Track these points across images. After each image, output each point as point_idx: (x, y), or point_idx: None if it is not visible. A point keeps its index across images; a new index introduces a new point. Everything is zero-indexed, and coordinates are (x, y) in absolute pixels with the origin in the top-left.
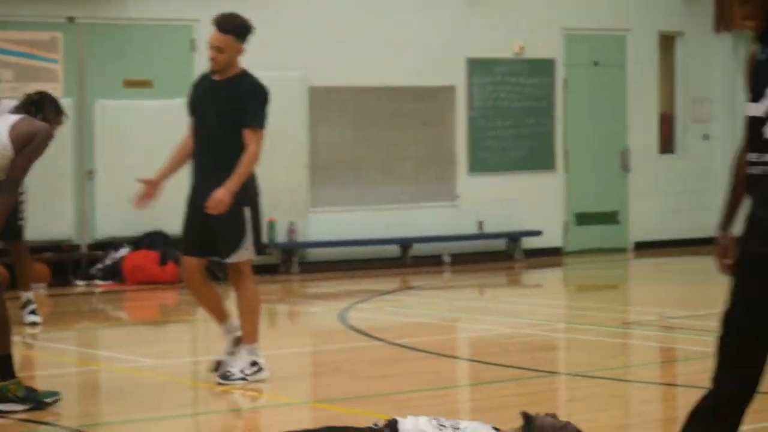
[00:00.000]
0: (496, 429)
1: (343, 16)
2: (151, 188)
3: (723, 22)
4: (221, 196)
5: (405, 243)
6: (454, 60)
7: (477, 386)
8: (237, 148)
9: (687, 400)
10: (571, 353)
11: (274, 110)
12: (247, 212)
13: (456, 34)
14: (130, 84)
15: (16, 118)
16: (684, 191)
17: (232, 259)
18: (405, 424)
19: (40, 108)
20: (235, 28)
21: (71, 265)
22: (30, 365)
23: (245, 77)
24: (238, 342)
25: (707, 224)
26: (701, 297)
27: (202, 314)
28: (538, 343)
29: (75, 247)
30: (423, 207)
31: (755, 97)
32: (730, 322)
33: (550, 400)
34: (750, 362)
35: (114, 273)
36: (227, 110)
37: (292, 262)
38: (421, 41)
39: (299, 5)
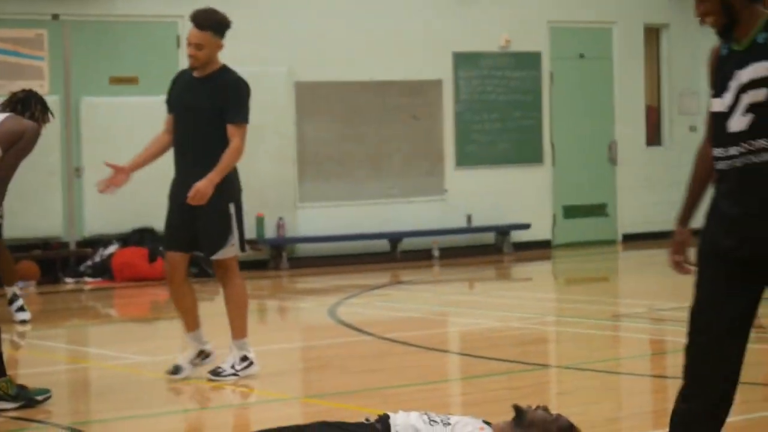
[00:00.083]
0: (486, 423)
1: (328, 11)
2: (119, 176)
3: None
4: (203, 188)
5: (394, 237)
6: (441, 54)
7: (467, 380)
8: (218, 144)
9: (677, 392)
10: (561, 346)
11: (260, 106)
12: (232, 208)
13: (442, 28)
14: (116, 81)
15: (2, 116)
16: (672, 183)
17: (219, 255)
18: (396, 419)
19: (27, 106)
20: (213, 23)
21: (60, 262)
22: (20, 363)
23: (226, 73)
24: (202, 355)
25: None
26: (690, 289)
27: None
28: (528, 337)
29: (64, 245)
30: (411, 201)
31: (718, 92)
32: (698, 318)
33: (540, 393)
34: (722, 359)
35: (103, 270)
36: (209, 107)
37: (281, 258)
38: (407, 35)
39: (285, 1)
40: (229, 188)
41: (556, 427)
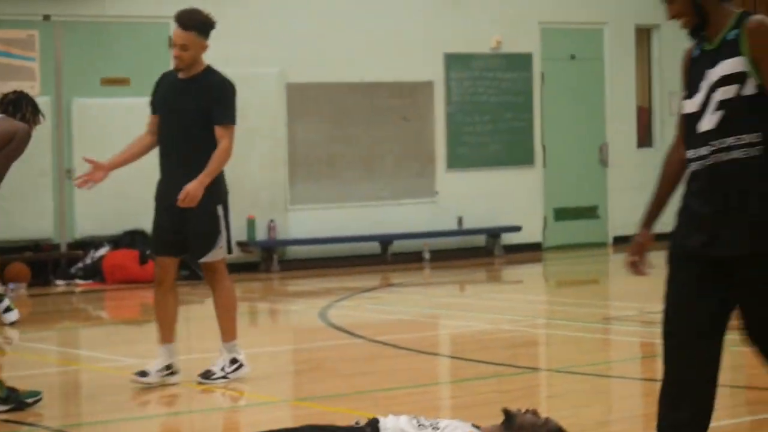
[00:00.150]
0: (476, 427)
1: (320, 12)
2: (98, 172)
3: None
4: (193, 190)
5: (385, 240)
6: (432, 55)
7: (457, 383)
8: (204, 145)
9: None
10: (551, 349)
11: (252, 107)
12: (220, 210)
13: (433, 29)
14: (108, 82)
15: None
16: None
17: (207, 258)
18: (386, 422)
19: (18, 107)
20: (197, 24)
21: (51, 264)
22: (11, 365)
23: (211, 74)
24: (170, 369)
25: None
26: None
27: (182, 313)
28: (519, 339)
29: (55, 247)
30: (402, 204)
31: (690, 93)
32: (670, 321)
33: (530, 396)
34: (696, 361)
35: (94, 272)
36: (194, 108)
37: (272, 260)
38: (399, 36)
39: (276, 2)
40: (217, 190)
41: (545, 431)
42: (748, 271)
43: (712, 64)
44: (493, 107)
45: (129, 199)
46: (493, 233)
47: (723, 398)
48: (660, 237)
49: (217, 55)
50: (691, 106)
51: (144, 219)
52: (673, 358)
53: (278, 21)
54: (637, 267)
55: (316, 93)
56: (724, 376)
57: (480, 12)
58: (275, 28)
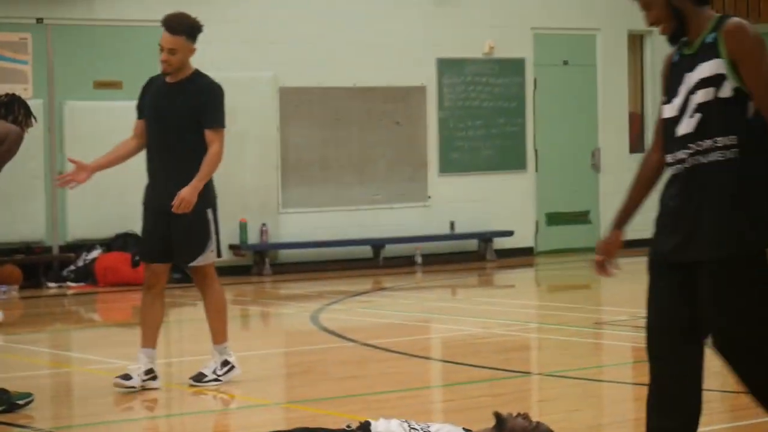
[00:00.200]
0: (467, 430)
1: (313, 16)
2: (81, 173)
3: None
4: (188, 195)
5: (377, 244)
6: (425, 60)
7: (449, 387)
8: (192, 149)
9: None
10: (543, 353)
11: (244, 111)
12: (210, 214)
13: (426, 34)
14: (100, 85)
15: None
16: (654, 191)
17: (198, 262)
18: (377, 426)
19: (10, 110)
20: (186, 28)
21: (43, 266)
22: (2, 367)
23: (199, 77)
24: (151, 374)
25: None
26: None
27: (174, 316)
28: (510, 344)
29: (47, 249)
30: (395, 208)
31: (669, 98)
32: (652, 328)
33: (522, 400)
34: (680, 367)
35: (86, 275)
36: (183, 112)
37: (264, 264)
38: (391, 41)
39: (268, 5)
40: (207, 194)
41: None
42: (706, 278)
43: (691, 68)
44: (485, 112)
45: (121, 202)
46: (485, 238)
47: (712, 403)
48: (633, 244)
49: (210, 58)
50: (670, 110)
51: (136, 222)
52: (658, 365)
53: (271, 25)
54: (603, 267)
55: (309, 97)
56: (714, 381)
57: (473, 17)
58: (268, 32)
